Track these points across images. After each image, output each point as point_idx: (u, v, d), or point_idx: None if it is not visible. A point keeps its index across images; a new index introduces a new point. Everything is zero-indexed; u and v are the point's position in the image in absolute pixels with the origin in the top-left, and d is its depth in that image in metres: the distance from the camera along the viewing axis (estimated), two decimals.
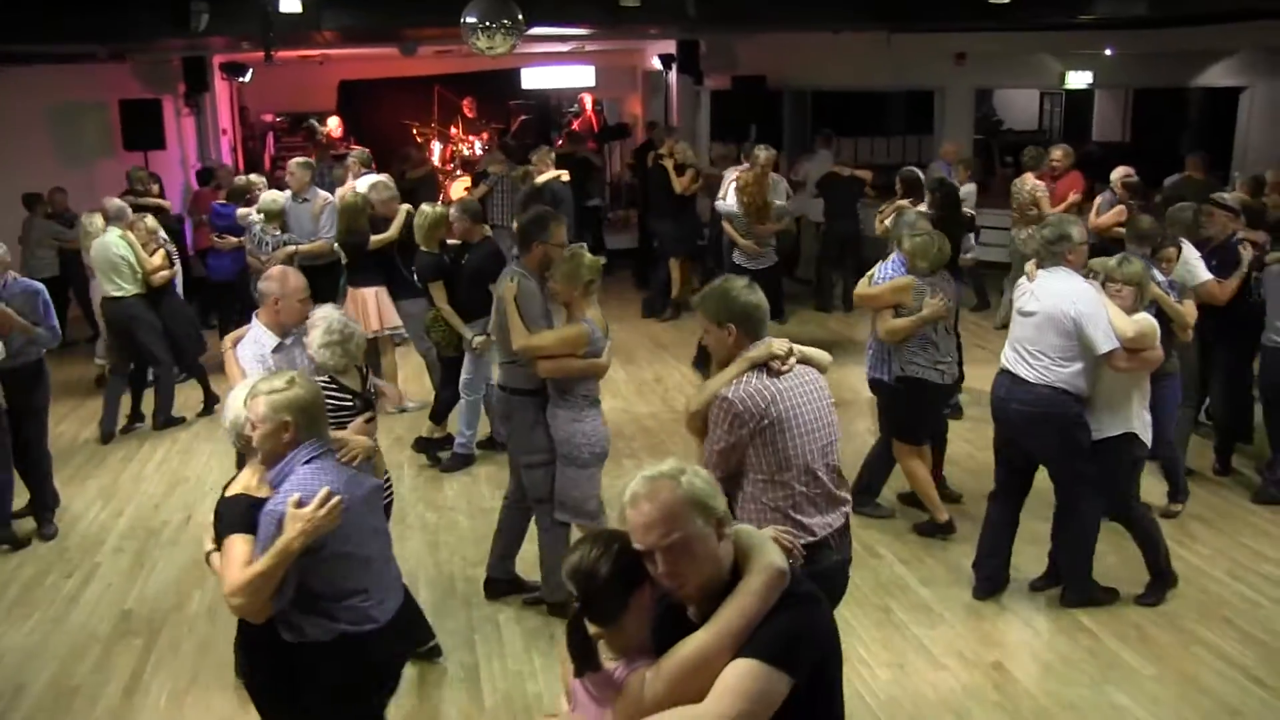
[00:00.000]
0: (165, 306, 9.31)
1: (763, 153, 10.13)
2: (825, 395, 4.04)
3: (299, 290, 5.35)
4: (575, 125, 17.11)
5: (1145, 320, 5.71)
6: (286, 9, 9.55)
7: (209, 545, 3.79)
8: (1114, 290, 5.76)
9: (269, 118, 18.01)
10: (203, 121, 15.10)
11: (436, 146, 17.05)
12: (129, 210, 9.33)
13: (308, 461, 3.65)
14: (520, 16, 8.81)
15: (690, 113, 16.36)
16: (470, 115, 17.42)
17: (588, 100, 17.61)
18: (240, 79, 15.64)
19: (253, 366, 5.16)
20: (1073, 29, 13.97)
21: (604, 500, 5.74)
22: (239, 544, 3.54)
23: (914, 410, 6.82)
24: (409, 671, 5.51)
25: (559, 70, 17.50)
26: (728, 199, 10.20)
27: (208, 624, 6.08)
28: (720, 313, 3.99)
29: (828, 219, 12.70)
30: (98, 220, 9.28)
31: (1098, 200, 10.70)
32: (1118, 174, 10.53)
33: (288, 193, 9.95)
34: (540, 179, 11.07)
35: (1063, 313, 5.63)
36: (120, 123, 13.51)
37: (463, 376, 8.13)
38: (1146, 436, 5.87)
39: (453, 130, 17.32)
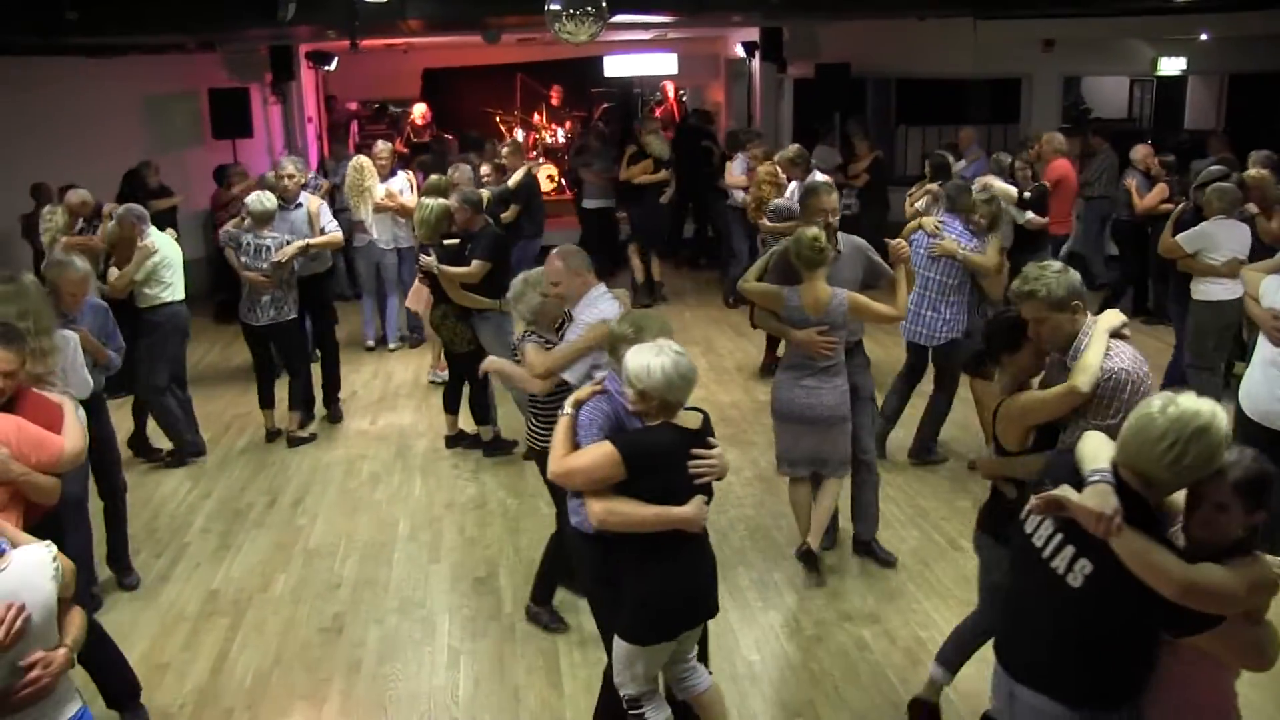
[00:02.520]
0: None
1: (791, 149, 10.15)
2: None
3: None
4: (657, 113, 17.08)
5: None
6: None
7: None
8: None
9: (354, 106, 18.20)
10: (289, 110, 15.29)
11: (520, 134, 17.13)
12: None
13: None
14: (604, 4, 8.79)
15: (773, 101, 16.24)
16: (556, 104, 17.47)
17: (670, 88, 17.57)
18: (326, 68, 15.81)
19: None
20: (1166, 13, 13.62)
21: None
22: None
23: None
24: (490, 656, 5.57)
25: (641, 58, 17.45)
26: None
27: (291, 606, 6.18)
28: (1069, 294, 4.08)
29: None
30: (59, 217, 8.81)
31: (1134, 182, 10.88)
32: (1141, 154, 10.92)
33: (267, 195, 8.66)
34: (514, 179, 10.95)
35: None
36: (209, 111, 13.74)
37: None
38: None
39: (536, 118, 17.38)
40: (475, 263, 7.71)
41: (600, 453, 3.92)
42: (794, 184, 9.98)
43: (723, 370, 10.16)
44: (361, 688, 5.36)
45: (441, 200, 8.17)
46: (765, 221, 9.41)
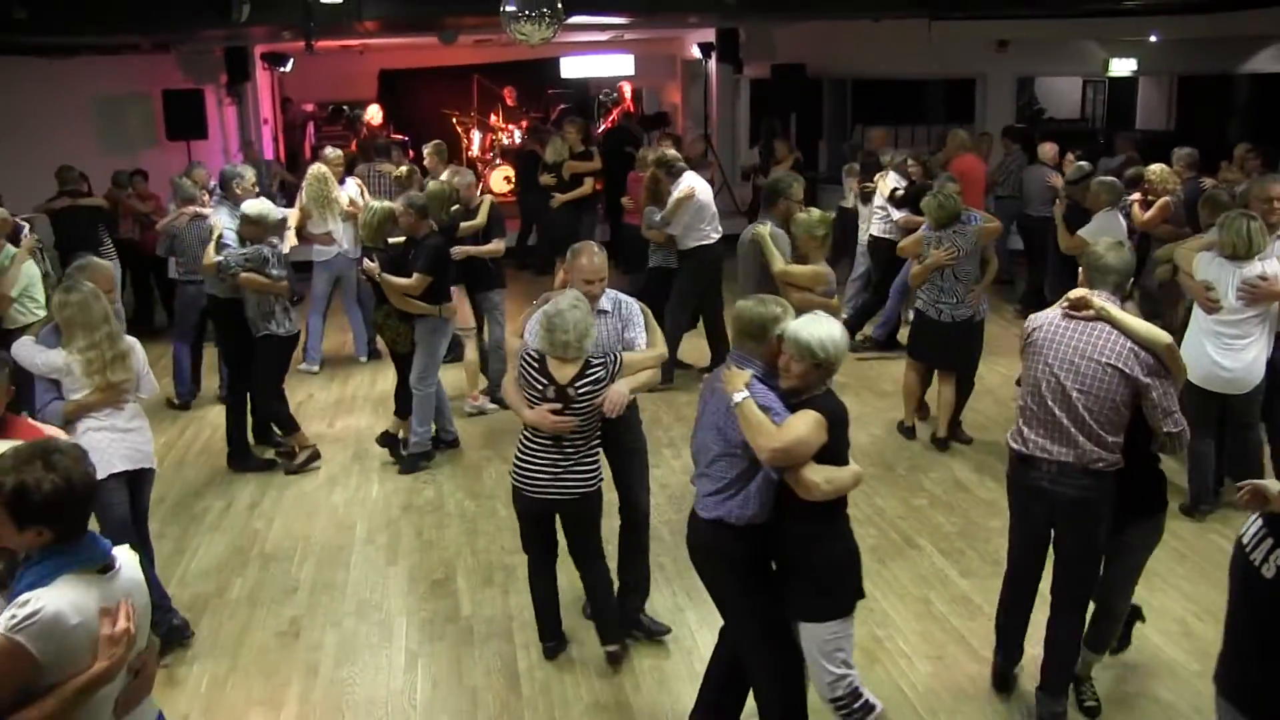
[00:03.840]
0: None
1: (666, 154, 9.76)
2: (1102, 352, 4.43)
3: None
4: (614, 113, 17.11)
5: None
6: None
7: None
8: None
9: (310, 107, 18.11)
10: (244, 111, 15.21)
11: (476, 135, 17.11)
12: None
13: None
14: (560, 5, 8.79)
15: (729, 101, 16.30)
16: (511, 104, 17.47)
17: (627, 89, 17.60)
18: (281, 69, 15.74)
19: None
20: (1117, 15, 13.78)
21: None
22: None
23: (916, 334, 8.29)
24: (448, 659, 5.56)
25: (598, 59, 17.49)
26: None
27: (248, 610, 6.13)
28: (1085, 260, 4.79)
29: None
30: None
31: (1059, 180, 11.18)
32: (1049, 152, 11.83)
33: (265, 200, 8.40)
34: (482, 214, 10.46)
35: None
36: (163, 113, 13.62)
37: (413, 372, 8.00)
38: None
39: (492, 119, 17.36)
40: (416, 276, 7.71)
41: (812, 421, 4.00)
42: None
43: (683, 371, 10.10)
44: (319, 692, 5.33)
45: (386, 203, 8.22)
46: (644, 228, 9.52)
